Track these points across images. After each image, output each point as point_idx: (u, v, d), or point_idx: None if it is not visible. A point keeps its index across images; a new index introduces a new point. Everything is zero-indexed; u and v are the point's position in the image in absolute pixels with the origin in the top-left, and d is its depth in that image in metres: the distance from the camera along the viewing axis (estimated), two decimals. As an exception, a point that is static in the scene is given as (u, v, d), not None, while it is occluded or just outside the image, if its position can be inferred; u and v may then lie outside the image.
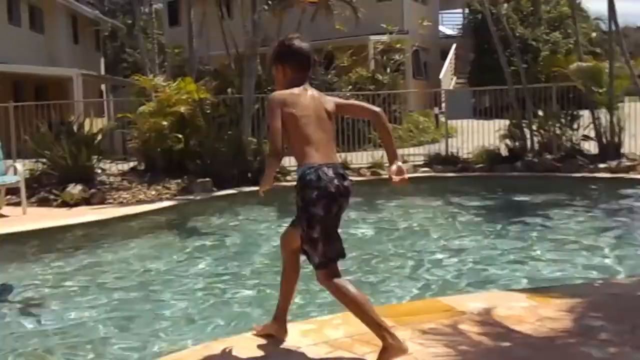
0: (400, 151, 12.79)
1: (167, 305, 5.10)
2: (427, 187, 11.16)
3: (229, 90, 14.07)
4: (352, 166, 12.30)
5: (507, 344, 3.47)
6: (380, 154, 12.83)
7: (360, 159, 12.79)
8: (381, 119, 3.46)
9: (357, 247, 6.89)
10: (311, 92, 3.39)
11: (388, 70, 20.01)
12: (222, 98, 12.90)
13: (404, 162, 12.70)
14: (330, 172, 3.19)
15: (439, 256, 6.57)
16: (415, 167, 12.53)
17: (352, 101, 3.61)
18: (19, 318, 4.97)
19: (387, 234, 7.87)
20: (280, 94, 3.34)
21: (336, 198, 3.19)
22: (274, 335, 3.50)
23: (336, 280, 3.19)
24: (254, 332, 3.61)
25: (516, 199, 10.30)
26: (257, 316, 4.58)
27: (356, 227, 8.13)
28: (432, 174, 12.09)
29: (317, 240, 3.18)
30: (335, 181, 3.18)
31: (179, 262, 6.64)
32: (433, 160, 12.72)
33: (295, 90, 3.34)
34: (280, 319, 3.50)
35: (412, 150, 14.32)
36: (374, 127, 3.59)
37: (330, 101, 3.44)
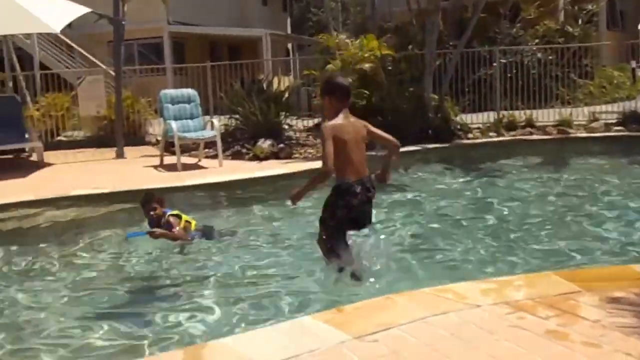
0: (591, 108, 12.09)
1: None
2: (620, 147, 10.46)
3: (410, 46, 14.02)
4: (537, 124, 11.81)
5: None
6: (568, 112, 12.21)
7: (546, 116, 12.23)
8: (398, 150, 4.72)
9: (539, 207, 6.70)
10: (351, 119, 4.41)
11: (579, 21, 18.70)
12: (404, 54, 12.91)
13: (595, 120, 11.97)
14: (359, 189, 4.30)
15: (634, 220, 6.20)
16: (607, 126, 11.74)
17: (379, 131, 4.59)
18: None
19: (573, 195, 7.55)
20: (331, 124, 4.33)
21: (356, 207, 4.31)
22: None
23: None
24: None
25: None
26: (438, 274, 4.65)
27: (539, 185, 7.89)
28: (627, 133, 11.27)
29: (332, 227, 4.38)
30: (359, 196, 4.29)
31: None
32: (628, 119, 11.83)
33: (340, 119, 4.34)
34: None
35: (604, 107, 13.39)
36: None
37: (363, 127, 4.45)
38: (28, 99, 12.99)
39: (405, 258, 5.24)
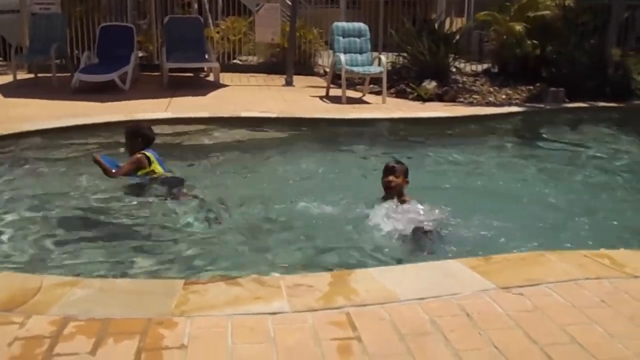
0: None
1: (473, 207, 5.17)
2: None
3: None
4: None
5: None
6: None
7: None
8: None
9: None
10: None
11: None
12: (589, 4, 12.02)
13: None
14: None
15: None
16: None
17: None
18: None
19: None
20: None
21: None
22: None
23: None
24: None
25: None
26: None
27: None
28: None
29: None
30: None
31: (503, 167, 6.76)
32: None
33: None
34: None
35: None
36: None
37: None
38: (210, 21, 13.69)
39: (559, 217, 5.05)
